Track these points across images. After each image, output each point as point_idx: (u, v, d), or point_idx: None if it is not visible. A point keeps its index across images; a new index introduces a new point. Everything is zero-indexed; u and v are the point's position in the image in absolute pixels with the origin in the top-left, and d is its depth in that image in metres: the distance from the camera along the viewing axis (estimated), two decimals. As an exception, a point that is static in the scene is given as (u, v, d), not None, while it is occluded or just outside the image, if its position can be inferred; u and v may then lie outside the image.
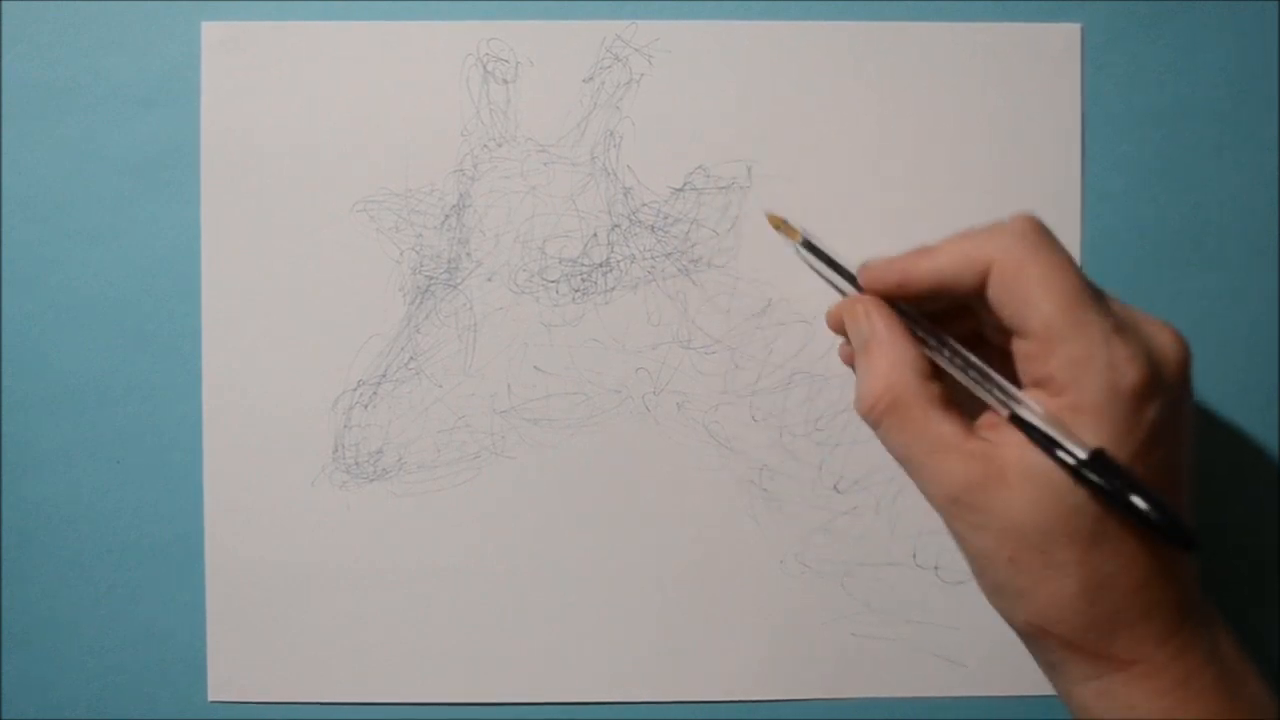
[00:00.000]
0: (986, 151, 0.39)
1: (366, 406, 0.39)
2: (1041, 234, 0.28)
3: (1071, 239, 0.38)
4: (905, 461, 0.28)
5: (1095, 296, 0.27)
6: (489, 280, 0.39)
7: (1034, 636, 0.28)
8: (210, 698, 0.39)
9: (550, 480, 0.39)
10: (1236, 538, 0.39)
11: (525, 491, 0.39)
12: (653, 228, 0.39)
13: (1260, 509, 0.39)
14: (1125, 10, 0.39)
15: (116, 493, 0.39)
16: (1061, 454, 0.26)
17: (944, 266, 0.28)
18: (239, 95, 0.38)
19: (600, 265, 0.39)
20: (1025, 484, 0.26)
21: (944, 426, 0.27)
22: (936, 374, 0.29)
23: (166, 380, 0.39)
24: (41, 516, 0.39)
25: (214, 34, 0.38)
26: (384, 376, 0.39)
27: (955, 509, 0.27)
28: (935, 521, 0.39)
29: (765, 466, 0.39)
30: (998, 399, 0.28)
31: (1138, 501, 0.25)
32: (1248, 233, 0.39)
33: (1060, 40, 0.38)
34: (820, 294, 0.39)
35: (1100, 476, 0.25)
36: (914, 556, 0.39)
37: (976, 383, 0.28)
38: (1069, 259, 0.27)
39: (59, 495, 0.39)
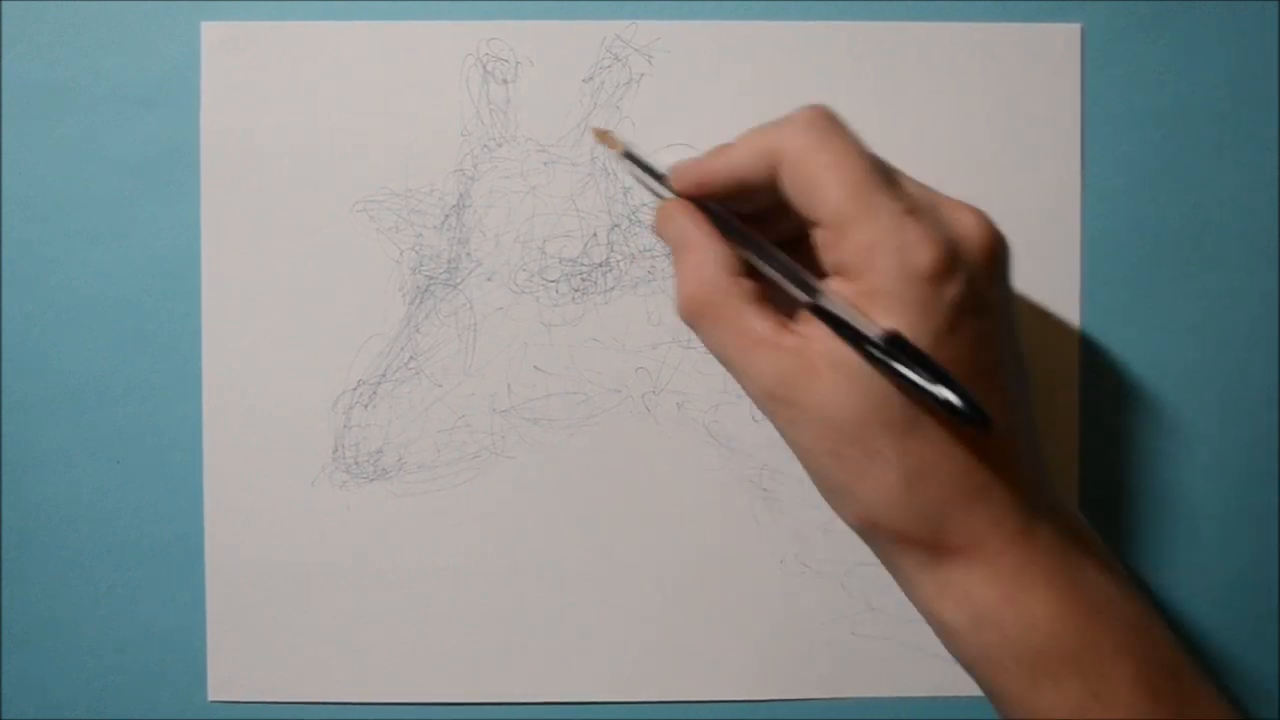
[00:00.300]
0: (986, 152, 0.39)
1: (366, 406, 0.39)
2: (829, 121, 0.27)
3: (1071, 239, 0.38)
4: (724, 361, 0.28)
5: (886, 180, 0.27)
6: (489, 280, 0.39)
7: (868, 532, 0.27)
8: (210, 698, 0.39)
9: (550, 480, 0.39)
10: (1236, 538, 0.39)
11: (525, 491, 0.39)
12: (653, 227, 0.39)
13: (1260, 509, 0.39)
14: (1125, 10, 0.39)
15: (116, 493, 0.39)
16: (857, 339, 0.25)
17: (738, 161, 0.28)
18: (239, 95, 0.38)
19: (600, 265, 0.39)
20: (835, 374, 0.26)
21: (757, 322, 0.27)
22: (751, 273, 0.28)
23: (166, 380, 0.39)
24: (41, 516, 0.39)
25: (214, 34, 0.38)
26: (384, 376, 0.39)
27: (772, 404, 0.27)
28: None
29: (765, 466, 0.39)
30: (799, 290, 0.27)
31: (922, 380, 0.24)
32: (1248, 233, 0.39)
33: (1060, 40, 0.38)
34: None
35: (894, 360, 0.24)
36: (914, 556, 0.39)
37: (780, 275, 0.28)
38: (857, 144, 0.27)
39: (59, 495, 0.39)
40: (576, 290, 0.39)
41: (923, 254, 0.25)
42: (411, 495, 0.39)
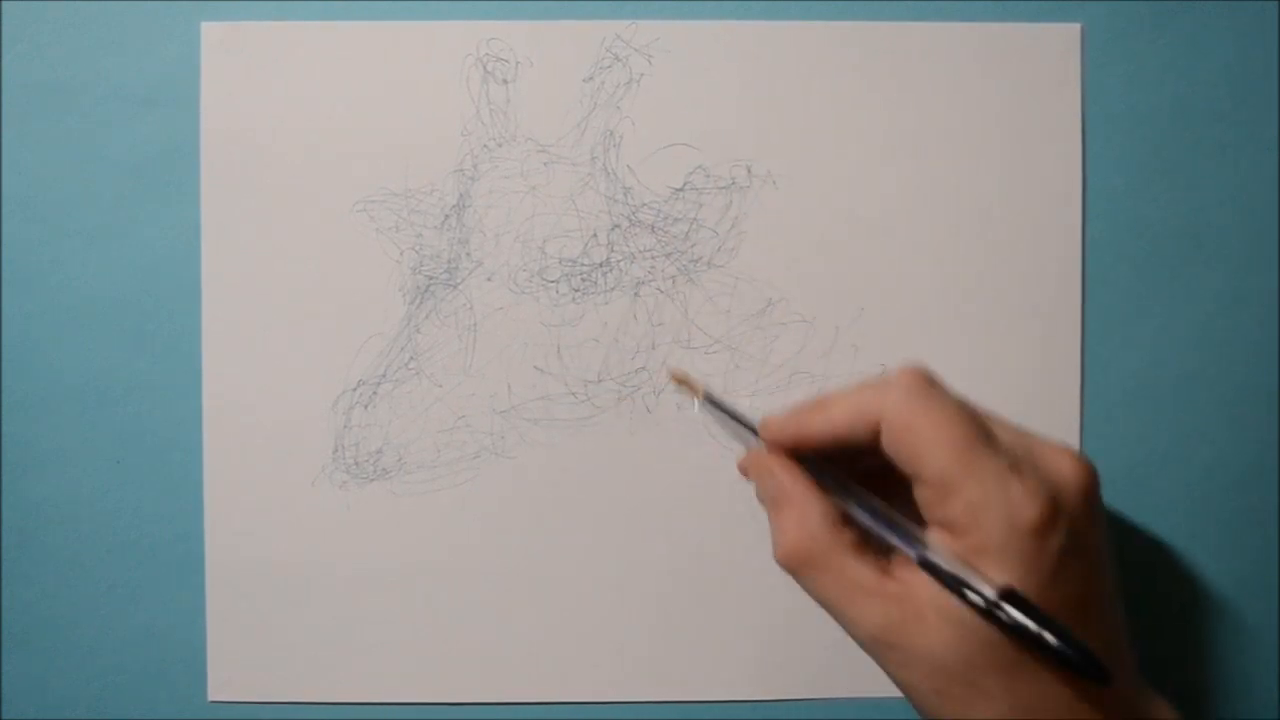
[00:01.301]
0: (986, 151, 0.38)
1: (366, 406, 0.39)
2: (927, 386, 0.29)
3: (1072, 239, 0.38)
4: (828, 608, 0.29)
5: (986, 438, 0.28)
6: (489, 280, 0.39)
7: None
8: (210, 698, 0.39)
9: (550, 480, 0.39)
10: (1237, 538, 0.39)
11: (525, 491, 0.39)
12: (652, 228, 0.39)
13: (1260, 509, 0.39)
14: (1125, 10, 0.39)
15: (116, 493, 0.39)
16: (970, 594, 0.26)
17: (837, 424, 0.29)
18: (239, 95, 0.38)
19: (600, 265, 0.39)
20: (942, 622, 0.27)
21: (860, 572, 0.28)
22: (848, 519, 0.29)
23: (166, 380, 0.39)
24: (41, 516, 0.39)
25: (214, 34, 0.38)
26: (384, 376, 0.39)
27: (879, 649, 0.28)
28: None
29: (765, 466, 0.39)
30: (904, 543, 0.28)
31: (1047, 638, 0.25)
32: (1248, 233, 0.39)
33: (1060, 40, 0.38)
34: (821, 293, 0.39)
35: (1008, 616, 0.26)
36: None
37: (883, 528, 0.29)
38: (956, 406, 0.28)
39: (59, 495, 0.39)
40: (576, 290, 0.39)
41: (1029, 511, 0.27)
42: (411, 495, 0.39)
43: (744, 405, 0.37)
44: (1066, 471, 0.28)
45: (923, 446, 0.28)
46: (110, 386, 0.39)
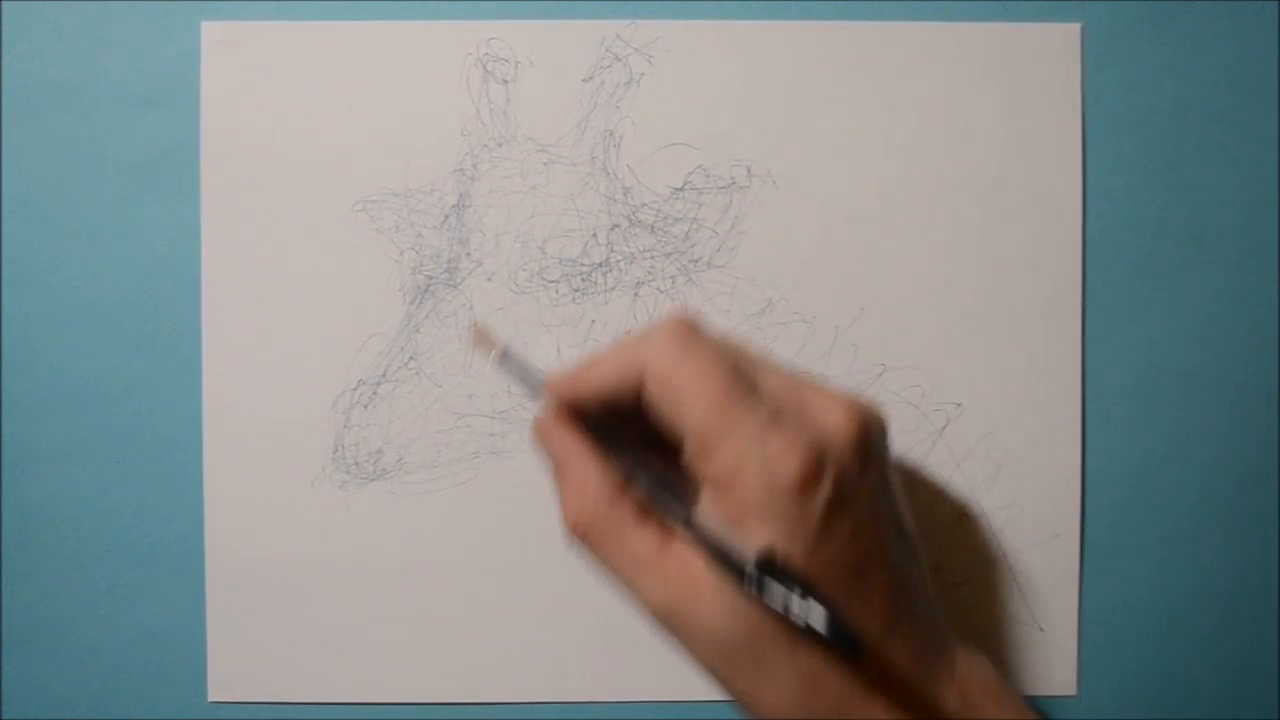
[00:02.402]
0: (986, 151, 0.38)
1: (366, 406, 0.39)
2: (689, 334, 0.27)
3: (1072, 239, 0.38)
4: (613, 580, 0.28)
5: (745, 390, 0.26)
6: (489, 280, 0.39)
7: None
8: (210, 698, 0.39)
9: (550, 480, 0.39)
10: (1237, 537, 0.39)
11: (525, 491, 0.39)
12: (652, 228, 0.39)
13: (1260, 509, 0.39)
14: (1125, 10, 0.39)
15: (116, 493, 0.39)
16: (727, 563, 0.25)
17: (605, 379, 0.28)
18: (239, 95, 0.38)
19: (600, 265, 0.39)
20: (718, 596, 0.26)
21: (639, 544, 0.27)
22: (630, 486, 0.28)
23: (166, 380, 0.39)
24: (41, 516, 0.39)
25: (214, 34, 0.38)
26: (384, 376, 0.39)
27: (663, 626, 0.27)
28: (932, 523, 0.39)
29: (765, 466, 0.39)
30: (672, 509, 0.27)
31: (787, 606, 0.24)
32: (1248, 233, 0.39)
33: (1060, 40, 0.38)
34: (821, 293, 0.39)
35: (767, 587, 0.24)
36: (914, 556, 0.39)
37: (654, 494, 0.27)
38: (717, 355, 0.27)
39: (59, 495, 0.39)
40: (576, 290, 0.39)
41: (787, 465, 0.25)
42: (411, 495, 0.39)
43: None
44: (835, 420, 0.27)
45: (681, 400, 0.26)
46: (110, 386, 0.39)
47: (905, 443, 0.38)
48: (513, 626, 0.39)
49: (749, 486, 0.25)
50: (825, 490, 0.25)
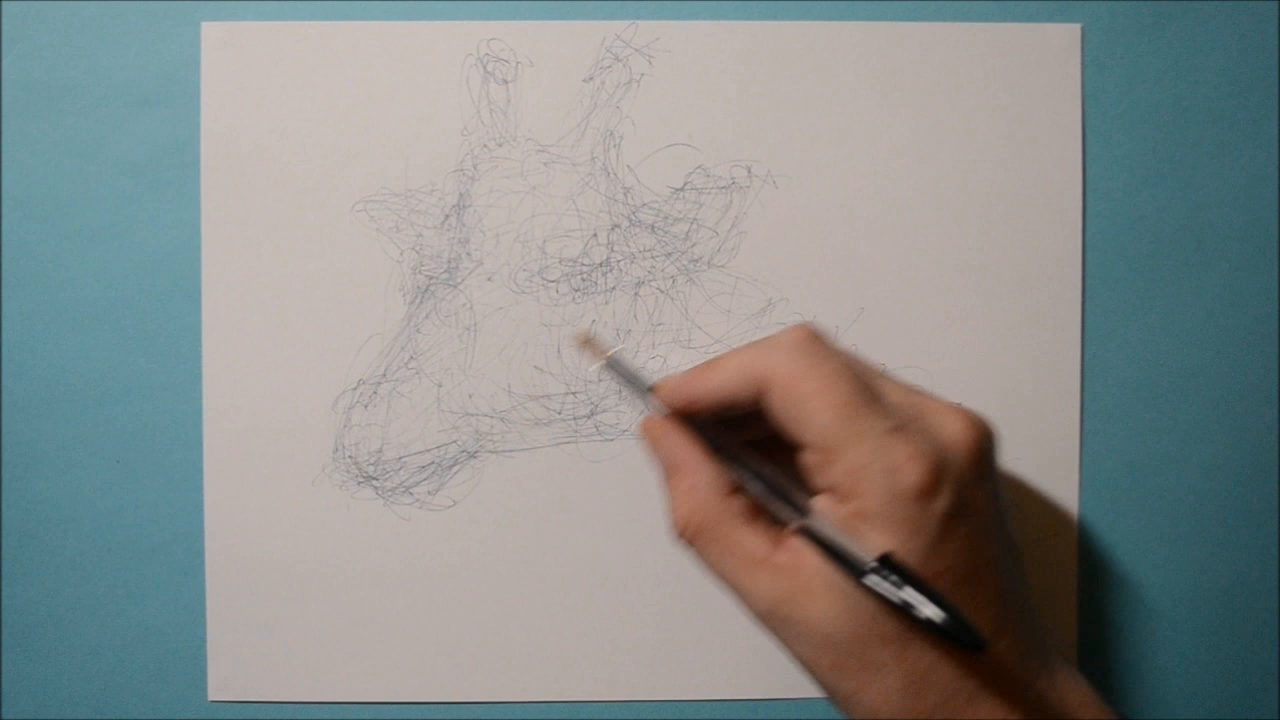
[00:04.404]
0: (986, 151, 0.39)
1: (366, 406, 0.39)
2: (813, 344, 0.28)
3: (1072, 239, 0.39)
4: (721, 579, 0.28)
5: (870, 400, 0.27)
6: (489, 280, 0.39)
7: None
8: (210, 698, 0.39)
9: (550, 480, 0.39)
10: (1236, 537, 0.39)
11: (525, 491, 0.39)
12: (653, 228, 0.39)
13: (1260, 509, 0.39)
14: (1125, 10, 0.39)
15: (116, 493, 0.39)
16: (845, 564, 0.25)
17: (724, 385, 0.29)
18: (239, 95, 0.38)
19: (600, 265, 0.39)
20: (830, 594, 0.26)
21: (750, 542, 0.28)
22: (741, 488, 0.29)
23: (166, 380, 0.39)
24: (41, 516, 0.39)
25: (214, 34, 0.38)
26: (384, 376, 0.39)
27: (772, 623, 0.27)
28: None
29: (765, 466, 0.39)
30: (788, 510, 0.27)
31: (917, 605, 0.24)
32: (1248, 233, 0.39)
33: (1060, 40, 0.38)
34: (821, 293, 0.39)
35: (884, 584, 0.25)
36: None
37: (769, 495, 0.28)
38: (841, 365, 0.27)
39: (59, 495, 0.39)
40: (576, 290, 0.39)
41: (910, 474, 0.26)
42: (411, 495, 0.39)
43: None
44: (954, 432, 0.27)
45: (805, 408, 0.27)
46: (110, 386, 0.39)
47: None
48: (513, 626, 0.39)
49: (871, 493, 0.26)
50: (945, 499, 0.26)
